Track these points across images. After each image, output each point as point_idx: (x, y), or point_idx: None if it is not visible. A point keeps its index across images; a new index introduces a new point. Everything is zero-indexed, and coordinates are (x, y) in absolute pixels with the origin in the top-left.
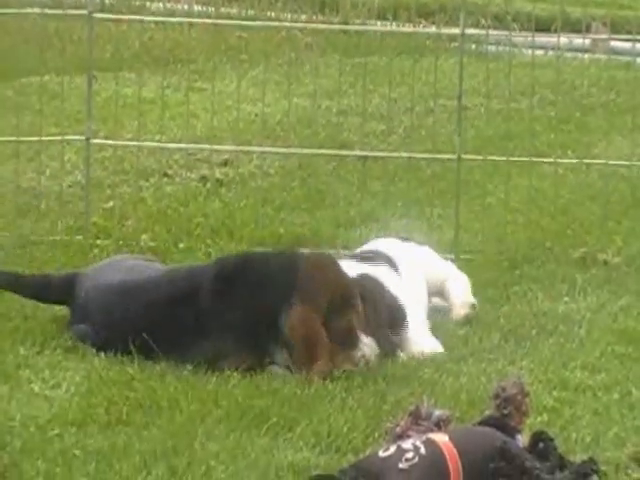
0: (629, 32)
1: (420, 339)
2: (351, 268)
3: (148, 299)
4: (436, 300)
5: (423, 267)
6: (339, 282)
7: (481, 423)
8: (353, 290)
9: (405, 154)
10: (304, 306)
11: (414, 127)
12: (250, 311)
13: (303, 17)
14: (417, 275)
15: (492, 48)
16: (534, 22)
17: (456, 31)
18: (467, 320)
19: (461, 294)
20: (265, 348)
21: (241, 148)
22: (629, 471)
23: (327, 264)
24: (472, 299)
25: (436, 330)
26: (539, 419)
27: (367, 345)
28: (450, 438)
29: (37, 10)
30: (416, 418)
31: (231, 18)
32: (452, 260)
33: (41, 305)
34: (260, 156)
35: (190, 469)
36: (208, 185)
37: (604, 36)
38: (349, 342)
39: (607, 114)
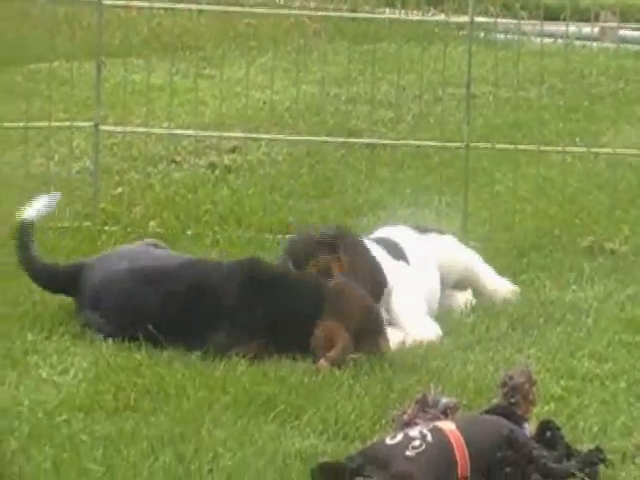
0: (638, 21)
1: (416, 323)
2: None
3: (165, 291)
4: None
5: (438, 256)
6: (365, 307)
7: (488, 411)
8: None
9: (413, 142)
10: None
11: (422, 115)
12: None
13: (312, 4)
14: (422, 262)
15: (501, 36)
16: (543, 10)
17: (465, 19)
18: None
19: (497, 278)
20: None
21: (249, 135)
22: (636, 460)
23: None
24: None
25: (443, 318)
26: (546, 408)
27: None
28: (457, 426)
29: None
30: (423, 406)
31: (240, 5)
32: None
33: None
34: (268, 143)
35: (197, 456)
36: (216, 172)
37: (613, 24)
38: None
39: (615, 103)
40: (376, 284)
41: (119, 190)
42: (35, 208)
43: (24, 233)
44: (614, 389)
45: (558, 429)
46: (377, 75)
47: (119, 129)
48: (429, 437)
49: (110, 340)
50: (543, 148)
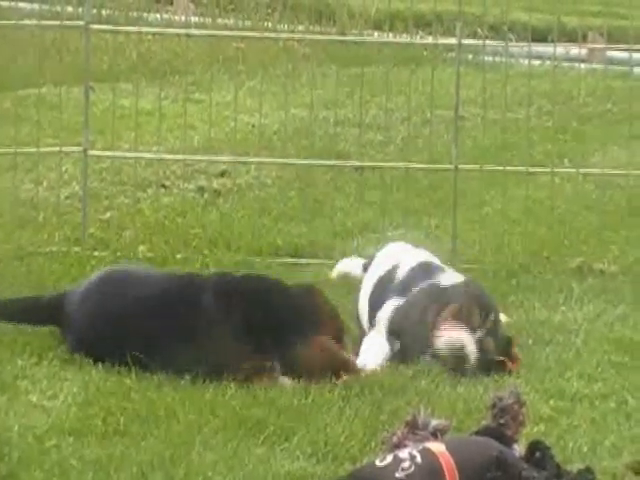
0: (626, 42)
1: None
2: None
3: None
4: None
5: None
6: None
7: (478, 433)
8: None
9: (402, 164)
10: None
11: (411, 137)
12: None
13: (300, 28)
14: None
15: (489, 58)
16: (530, 32)
17: (453, 41)
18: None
19: None
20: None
21: (238, 159)
22: None
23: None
24: None
25: None
26: (536, 429)
27: None
28: (447, 447)
29: (34, 22)
30: (413, 427)
31: (228, 29)
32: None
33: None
34: (257, 167)
35: (187, 479)
36: (205, 196)
37: (601, 46)
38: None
39: (604, 124)
40: None
41: (108, 215)
42: None
43: None
44: (603, 409)
45: (548, 449)
46: (365, 98)
47: (108, 154)
48: (419, 458)
49: (99, 365)
50: (532, 169)
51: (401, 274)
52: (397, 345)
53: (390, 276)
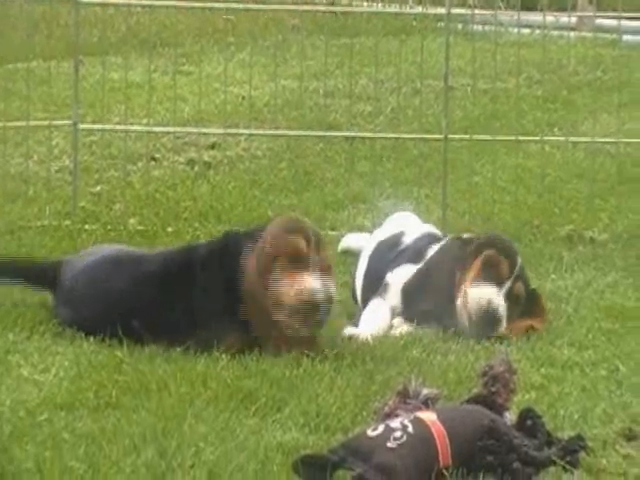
0: (615, 9)
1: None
2: None
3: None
4: None
5: None
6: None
7: (469, 401)
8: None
9: (392, 135)
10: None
11: (401, 108)
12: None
13: None
14: None
15: (478, 28)
16: (519, 1)
17: (442, 11)
18: None
19: None
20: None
21: (229, 131)
22: (617, 447)
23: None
24: None
25: None
26: (527, 396)
27: None
28: (438, 417)
29: None
30: (404, 397)
31: (218, 1)
32: None
33: (29, 291)
34: (248, 138)
35: (179, 451)
36: (196, 168)
37: (590, 14)
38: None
39: (593, 92)
40: None
41: (98, 188)
42: None
43: None
44: (594, 377)
45: (539, 417)
46: (355, 69)
47: (98, 127)
48: (410, 428)
49: (91, 338)
50: (522, 138)
51: (409, 240)
52: (412, 310)
53: (396, 241)
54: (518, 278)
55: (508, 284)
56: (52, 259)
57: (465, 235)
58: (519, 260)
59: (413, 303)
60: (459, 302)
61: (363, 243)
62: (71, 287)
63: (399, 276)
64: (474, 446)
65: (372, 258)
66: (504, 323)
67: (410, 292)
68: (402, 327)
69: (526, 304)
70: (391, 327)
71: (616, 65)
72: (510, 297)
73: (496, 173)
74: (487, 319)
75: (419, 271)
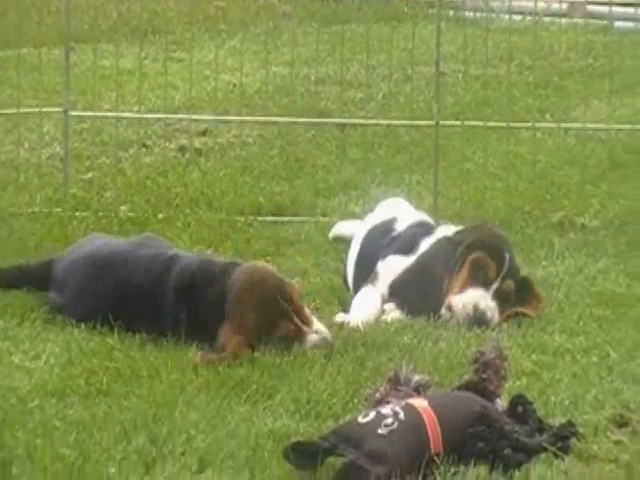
0: None
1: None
2: None
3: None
4: None
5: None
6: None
7: (460, 388)
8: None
9: (384, 121)
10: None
11: (392, 94)
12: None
13: None
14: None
15: (469, 14)
16: None
17: None
18: None
19: None
20: None
21: (220, 118)
22: (608, 433)
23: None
24: None
25: None
26: (518, 383)
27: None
28: (429, 403)
29: None
30: (395, 384)
31: None
32: None
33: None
34: (239, 125)
35: (170, 438)
36: (187, 155)
37: (581, 0)
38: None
39: (585, 78)
40: None
41: (89, 175)
42: None
43: None
44: (585, 363)
45: (530, 404)
46: (346, 55)
47: (89, 114)
48: (401, 415)
49: (82, 325)
50: (513, 124)
51: (400, 228)
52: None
53: (388, 228)
54: (507, 276)
55: (496, 284)
56: (42, 260)
57: (455, 231)
58: (507, 257)
59: (401, 301)
60: (445, 309)
61: (355, 230)
62: (60, 290)
63: (389, 267)
64: (465, 432)
65: (364, 244)
66: (495, 320)
67: (397, 290)
68: (394, 312)
69: (518, 294)
70: (383, 312)
71: (607, 51)
72: (500, 295)
73: (487, 159)
74: (475, 323)
75: (408, 270)
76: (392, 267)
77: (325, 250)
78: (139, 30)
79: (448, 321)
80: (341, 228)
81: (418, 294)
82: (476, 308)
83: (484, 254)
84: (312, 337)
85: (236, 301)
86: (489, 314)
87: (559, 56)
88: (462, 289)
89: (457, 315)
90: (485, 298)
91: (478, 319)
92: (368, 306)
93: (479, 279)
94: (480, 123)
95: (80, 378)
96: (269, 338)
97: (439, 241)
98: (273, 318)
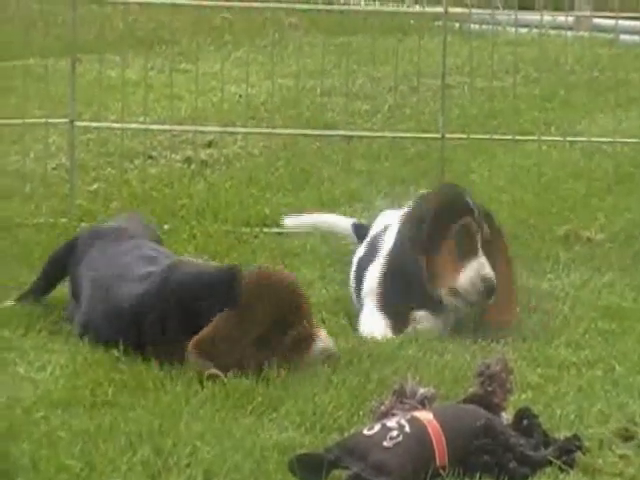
0: (612, 9)
1: (368, 320)
2: None
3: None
4: None
5: None
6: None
7: (465, 401)
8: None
9: (389, 133)
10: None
11: (398, 106)
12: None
13: None
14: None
15: (475, 26)
16: (517, 0)
17: (439, 10)
18: None
19: None
20: None
21: (225, 129)
22: (613, 447)
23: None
24: None
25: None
26: (523, 396)
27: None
28: (434, 416)
29: None
30: (400, 396)
31: None
32: None
33: (24, 288)
34: (244, 137)
35: (176, 449)
36: (192, 166)
37: (587, 13)
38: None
39: (590, 91)
40: None
41: (95, 186)
42: None
43: None
44: (591, 376)
45: (535, 417)
46: (352, 67)
47: (94, 125)
48: (407, 427)
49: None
50: (519, 137)
51: (387, 238)
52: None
53: (377, 240)
54: (482, 226)
55: (480, 242)
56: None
57: (402, 214)
58: (471, 203)
59: (390, 308)
60: (447, 295)
61: (345, 225)
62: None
63: (370, 281)
64: (470, 445)
65: (359, 260)
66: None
67: (383, 297)
68: (425, 322)
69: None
70: (413, 320)
71: (613, 65)
72: (486, 248)
73: (493, 172)
74: (487, 295)
75: (381, 274)
76: (370, 276)
77: (330, 262)
78: (145, 41)
79: (455, 305)
80: (329, 219)
81: (399, 293)
82: (484, 280)
83: (457, 221)
84: (320, 343)
85: (249, 297)
86: (494, 278)
87: (565, 69)
88: (458, 267)
89: (467, 296)
90: (484, 265)
91: (489, 289)
92: (379, 322)
93: (468, 249)
94: (486, 136)
95: (85, 389)
96: (282, 338)
97: (396, 232)
98: (289, 317)
